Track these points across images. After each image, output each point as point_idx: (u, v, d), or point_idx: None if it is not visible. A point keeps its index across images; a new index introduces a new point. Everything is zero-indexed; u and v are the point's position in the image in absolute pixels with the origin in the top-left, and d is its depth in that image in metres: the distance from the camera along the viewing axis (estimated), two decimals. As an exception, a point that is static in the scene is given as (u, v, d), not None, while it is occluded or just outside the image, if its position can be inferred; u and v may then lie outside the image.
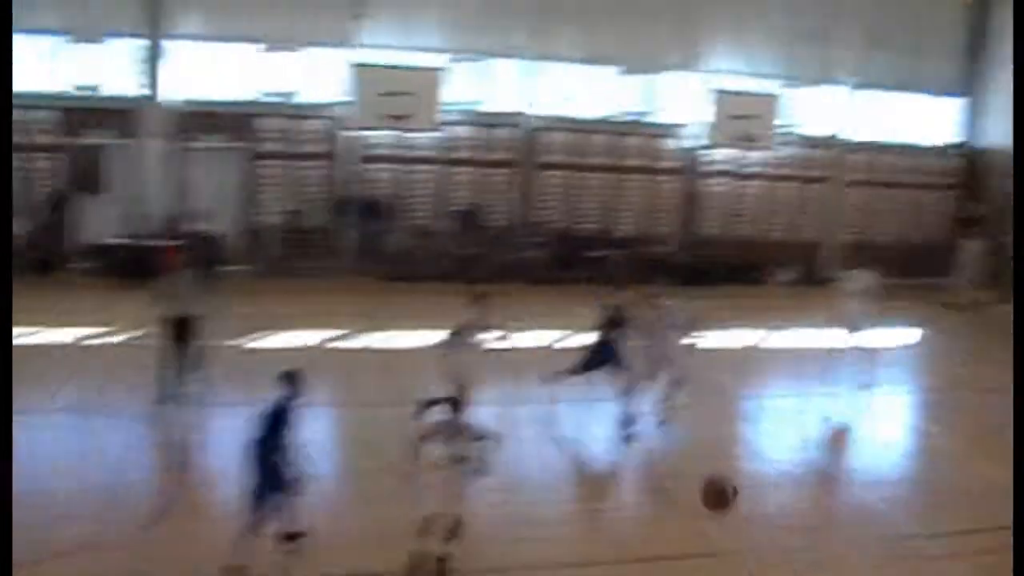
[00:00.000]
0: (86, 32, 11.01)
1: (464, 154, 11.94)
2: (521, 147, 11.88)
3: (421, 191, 11.91)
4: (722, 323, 9.03)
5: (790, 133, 12.85)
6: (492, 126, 11.92)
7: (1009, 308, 9.24)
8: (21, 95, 9.84)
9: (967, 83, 13.97)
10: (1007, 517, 4.26)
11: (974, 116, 14.05)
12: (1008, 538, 3.97)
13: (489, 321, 6.12)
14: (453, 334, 5.87)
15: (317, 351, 8.09)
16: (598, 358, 6.45)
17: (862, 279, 7.95)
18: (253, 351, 7.92)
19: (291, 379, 4.06)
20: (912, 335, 10.46)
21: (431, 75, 11.42)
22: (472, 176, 11.96)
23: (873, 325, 7.90)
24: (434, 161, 11.86)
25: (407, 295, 10.49)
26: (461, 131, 11.85)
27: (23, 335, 7.45)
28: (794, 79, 12.74)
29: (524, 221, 12.00)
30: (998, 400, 6.99)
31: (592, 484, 5.84)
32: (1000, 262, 12.07)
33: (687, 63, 12.17)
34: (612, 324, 6.53)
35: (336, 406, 6.88)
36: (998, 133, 13.44)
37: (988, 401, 7.62)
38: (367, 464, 5.48)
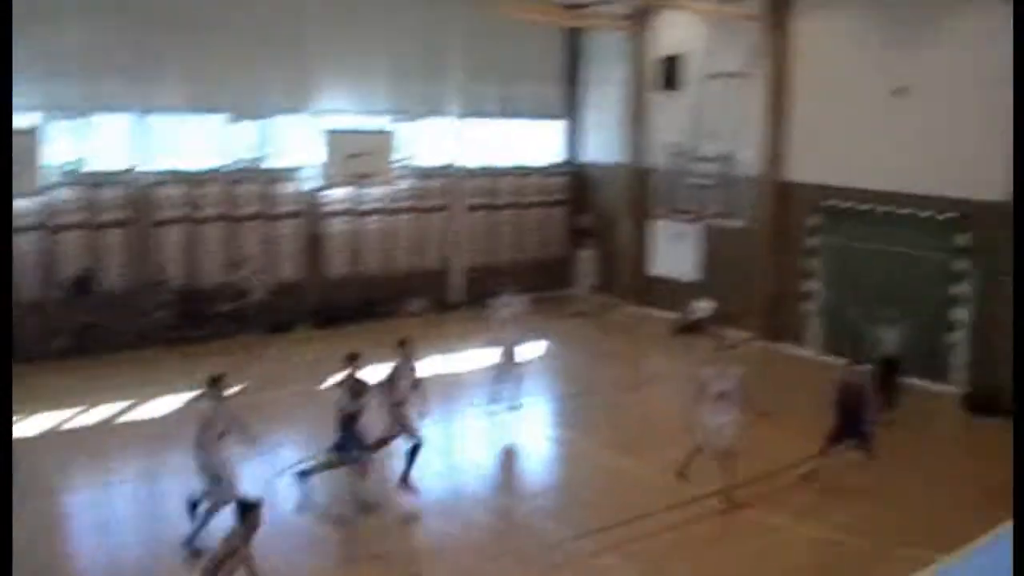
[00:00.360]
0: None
1: (72, 218, 21.01)
2: (134, 204, 21.35)
3: (25, 262, 20.65)
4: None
5: (406, 166, 24.41)
6: (98, 185, 21.19)
7: (628, 310, 21.83)
8: None
9: (566, 105, 27.25)
10: (644, 505, 12.41)
11: (574, 135, 27.41)
12: (649, 524, 12.63)
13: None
14: None
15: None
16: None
17: (510, 303, 17.92)
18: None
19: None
20: (544, 346, 22.21)
21: (25, 137, 20.24)
22: (83, 239, 21.09)
23: (520, 344, 17.81)
24: (38, 228, 20.72)
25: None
26: (65, 193, 20.91)
27: None
28: (405, 113, 24.34)
29: (144, 282, 21.49)
30: (624, 397, 18.47)
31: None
32: (611, 268, 25.24)
33: (298, 105, 22.86)
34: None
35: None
36: (594, 150, 26.93)
37: (616, 400, 18.39)
38: None
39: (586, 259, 25.55)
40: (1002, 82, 17.08)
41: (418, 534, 12.53)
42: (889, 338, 16.70)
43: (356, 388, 12.84)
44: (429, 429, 15.65)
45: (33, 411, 15.87)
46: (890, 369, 16.48)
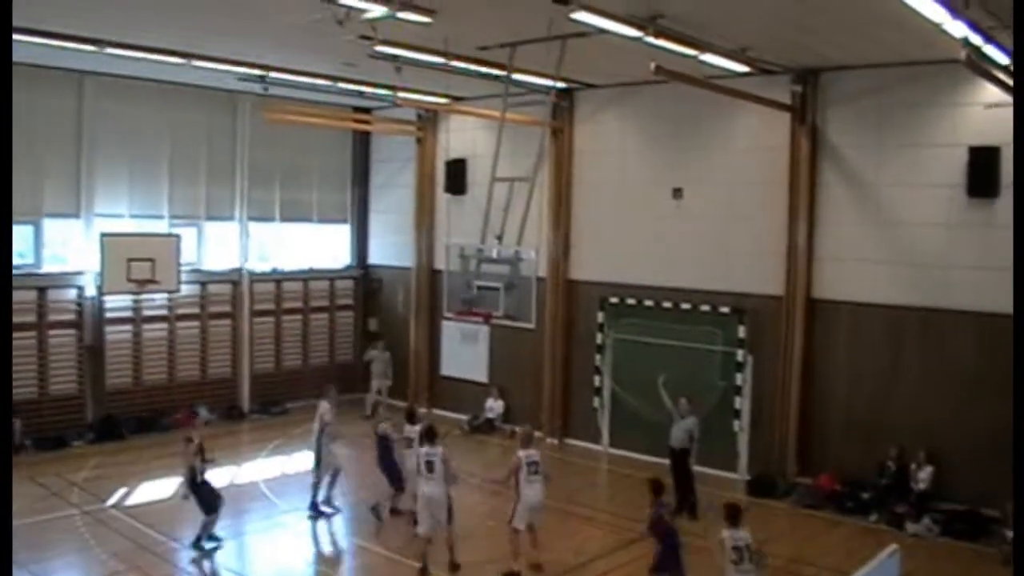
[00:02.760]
0: None
1: None
2: None
3: None
4: (145, 475, 18.61)
5: (191, 271, 23.78)
6: None
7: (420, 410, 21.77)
8: None
9: (354, 209, 27.33)
10: None
11: (362, 238, 27.46)
12: None
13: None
14: None
15: None
16: None
17: (322, 406, 17.64)
18: None
19: None
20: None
21: None
22: None
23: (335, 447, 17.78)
24: None
25: None
26: None
27: None
28: (188, 217, 23.81)
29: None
30: None
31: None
32: (401, 370, 25.12)
33: (74, 209, 21.99)
34: None
35: None
36: (383, 253, 27.01)
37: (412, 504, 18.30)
38: None
39: (378, 360, 25.32)
40: (772, 182, 18.41)
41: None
42: (677, 431, 17.14)
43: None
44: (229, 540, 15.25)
45: None
46: (680, 460, 17.00)
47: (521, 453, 14.36)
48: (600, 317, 21.82)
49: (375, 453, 16.86)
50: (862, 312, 17.93)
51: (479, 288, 21.37)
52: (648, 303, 20.92)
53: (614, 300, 21.57)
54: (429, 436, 14.43)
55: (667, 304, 20.59)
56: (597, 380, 21.93)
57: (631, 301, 21.24)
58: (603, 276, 21.86)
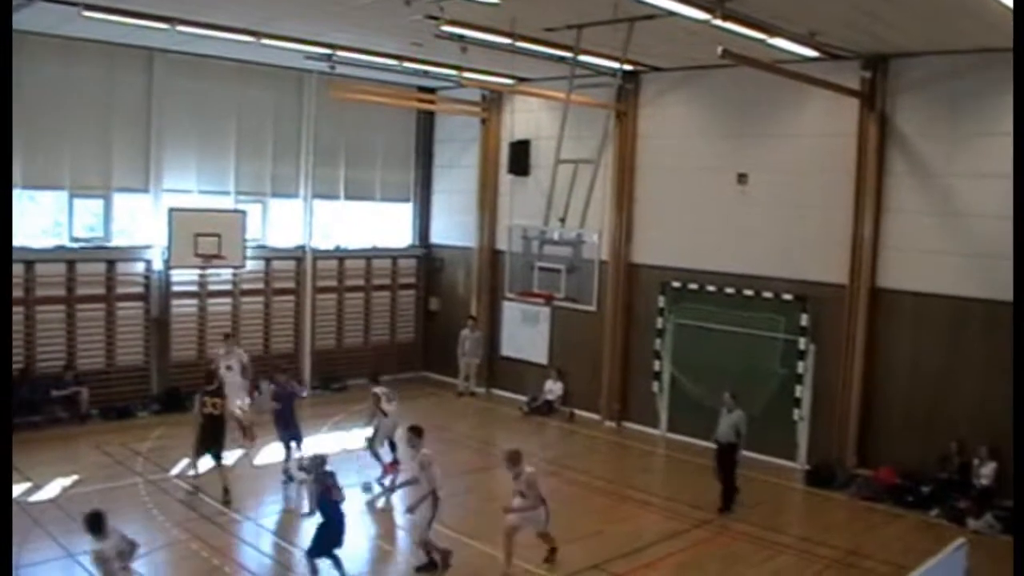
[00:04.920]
0: None
1: None
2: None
3: None
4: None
5: (256, 247, 24.13)
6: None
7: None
8: None
9: (417, 189, 27.52)
10: None
11: (425, 218, 27.65)
12: None
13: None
14: None
15: None
16: None
17: (389, 390, 18.13)
18: None
19: None
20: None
21: None
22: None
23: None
24: None
25: None
26: None
27: None
28: (254, 194, 24.15)
29: None
30: (474, 481, 18.18)
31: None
32: (450, 351, 25.33)
33: (142, 184, 22.41)
34: None
35: None
36: (445, 234, 27.20)
37: (467, 484, 17.82)
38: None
39: (469, 339, 25.49)
40: (839, 170, 18.21)
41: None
42: (724, 425, 16.91)
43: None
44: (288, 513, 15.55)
45: None
46: (726, 454, 16.81)
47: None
48: (661, 301, 21.77)
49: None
50: (927, 303, 17.70)
51: (541, 270, 21.50)
52: (710, 288, 20.83)
53: (676, 284, 21.50)
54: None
55: (729, 290, 20.48)
56: (657, 364, 21.91)
57: (693, 286, 21.17)
58: (665, 260, 21.80)
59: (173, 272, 22.68)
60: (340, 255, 26.13)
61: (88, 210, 21.81)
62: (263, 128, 24.25)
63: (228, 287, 23.94)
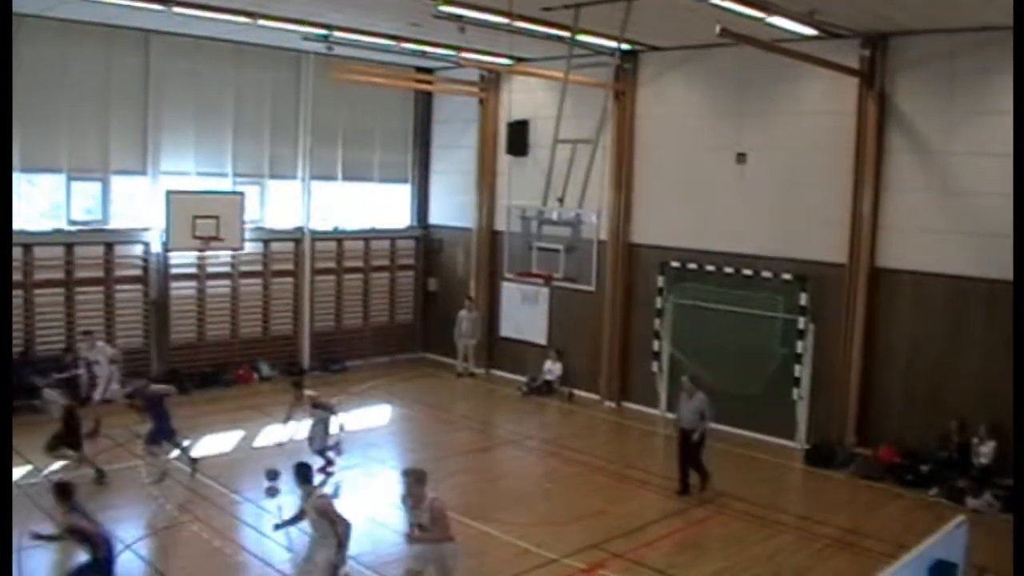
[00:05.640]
0: None
1: None
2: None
3: None
4: (207, 428, 18.96)
5: (254, 229, 24.11)
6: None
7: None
8: None
9: (415, 169, 27.48)
10: (497, 571, 13.10)
11: (423, 199, 27.63)
12: None
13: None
14: None
15: None
16: None
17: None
18: None
19: None
20: (393, 411, 22.05)
21: None
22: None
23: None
24: None
25: None
26: None
27: None
28: (252, 176, 24.12)
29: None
30: (474, 461, 18.26)
31: None
32: (449, 331, 25.37)
33: (140, 166, 22.38)
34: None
35: None
36: (443, 214, 27.18)
37: (467, 464, 18.00)
38: None
39: (466, 320, 25.50)
40: (838, 149, 18.21)
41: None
42: (685, 411, 16.55)
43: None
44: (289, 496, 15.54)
45: None
46: (688, 439, 16.47)
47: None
48: (660, 281, 21.77)
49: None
50: (926, 282, 17.70)
51: (539, 250, 21.51)
52: (709, 268, 20.82)
53: (675, 264, 21.49)
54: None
55: (728, 270, 20.47)
56: (656, 344, 21.93)
57: (692, 266, 21.16)
58: (664, 240, 21.78)
59: (172, 254, 22.66)
60: (339, 236, 26.13)
61: (86, 193, 21.75)
62: (261, 109, 24.19)
63: (227, 269, 23.95)
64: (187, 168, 23.07)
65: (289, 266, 25.15)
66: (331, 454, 16.98)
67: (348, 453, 17.64)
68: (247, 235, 23.74)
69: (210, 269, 23.63)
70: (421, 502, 10.76)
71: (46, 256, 21.02)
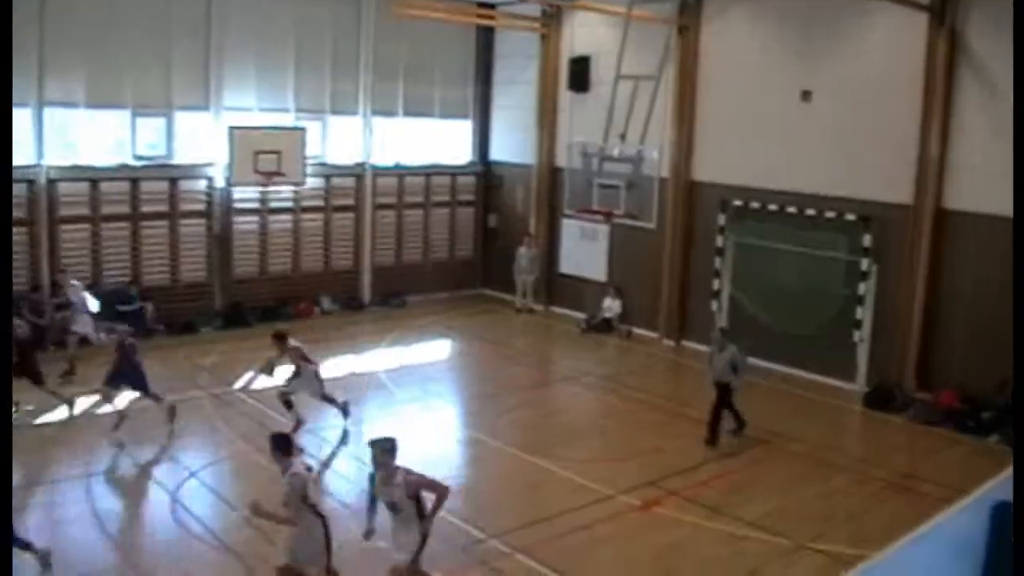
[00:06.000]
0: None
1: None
2: (35, 201, 20.84)
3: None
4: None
5: (315, 164, 24.26)
6: (-6, 180, 20.61)
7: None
8: None
9: (476, 105, 27.39)
10: (555, 505, 12.80)
11: (484, 135, 27.57)
12: (560, 524, 12.24)
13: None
14: None
15: None
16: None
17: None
18: None
19: None
20: (453, 346, 22.26)
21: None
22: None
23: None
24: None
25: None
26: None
27: None
28: (313, 111, 24.22)
29: (44, 282, 20.96)
30: (533, 397, 18.49)
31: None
32: (509, 268, 25.45)
33: (203, 102, 22.57)
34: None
35: None
36: (504, 151, 27.14)
37: (525, 400, 18.25)
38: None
39: (524, 256, 25.62)
40: (906, 88, 17.82)
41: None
42: (718, 362, 16.25)
43: None
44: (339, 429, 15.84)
45: None
46: (723, 392, 16.26)
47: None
48: (721, 220, 21.60)
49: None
50: (993, 225, 17.26)
51: (600, 187, 21.44)
52: (772, 207, 20.60)
53: (737, 203, 21.29)
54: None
55: (791, 209, 20.24)
56: (716, 283, 21.82)
57: (754, 204, 20.95)
58: (726, 178, 21.57)
59: (234, 189, 22.92)
60: (399, 172, 26.21)
61: (151, 127, 22.00)
62: (322, 45, 24.19)
63: (289, 204, 24.16)
64: (249, 104, 23.22)
65: (350, 201, 25.31)
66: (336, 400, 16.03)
67: (407, 386, 17.86)
68: (308, 170, 23.87)
69: (272, 204, 23.85)
70: (392, 478, 9.08)
71: (112, 191, 21.38)
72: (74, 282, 19.34)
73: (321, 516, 9.34)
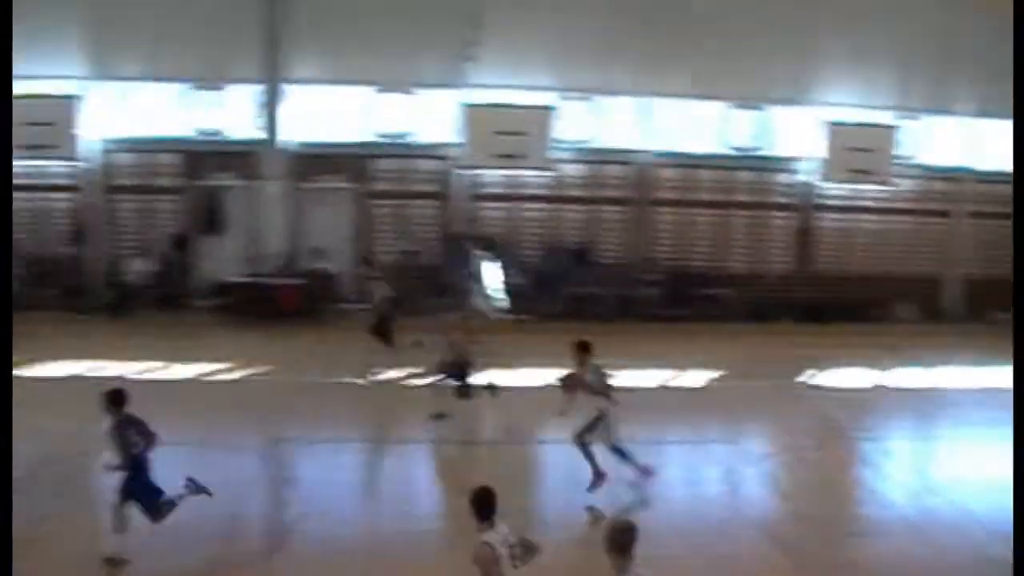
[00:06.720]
0: (209, 79, 21.34)
1: (575, 192, 22.42)
2: (633, 184, 22.35)
3: (532, 229, 22.33)
4: (840, 361, 18.11)
5: (908, 165, 23.30)
6: (603, 163, 22.37)
7: None
8: (146, 140, 20.90)
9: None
10: None
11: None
12: None
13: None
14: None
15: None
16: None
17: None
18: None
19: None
20: None
21: (542, 113, 21.77)
22: (583, 214, 22.45)
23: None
24: (545, 199, 22.33)
25: (526, 334, 19.01)
26: (572, 169, 22.30)
27: (147, 371, 15.61)
28: (912, 110, 23.22)
29: (636, 258, 22.38)
30: None
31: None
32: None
33: (800, 96, 22.65)
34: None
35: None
36: None
37: None
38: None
39: None
40: None
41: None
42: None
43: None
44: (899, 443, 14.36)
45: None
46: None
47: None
48: None
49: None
50: None
51: None
52: None
53: None
54: None
55: None
56: None
57: None
58: None
59: (822, 186, 23.04)
60: (997, 179, 24.22)
61: (747, 120, 22.78)
62: (925, 42, 22.73)
63: (876, 204, 23.78)
64: (846, 100, 23.03)
65: (942, 206, 24.19)
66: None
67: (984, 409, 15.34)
68: (899, 171, 23.27)
69: (860, 203, 23.56)
70: None
71: (704, 179, 22.55)
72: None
73: None
